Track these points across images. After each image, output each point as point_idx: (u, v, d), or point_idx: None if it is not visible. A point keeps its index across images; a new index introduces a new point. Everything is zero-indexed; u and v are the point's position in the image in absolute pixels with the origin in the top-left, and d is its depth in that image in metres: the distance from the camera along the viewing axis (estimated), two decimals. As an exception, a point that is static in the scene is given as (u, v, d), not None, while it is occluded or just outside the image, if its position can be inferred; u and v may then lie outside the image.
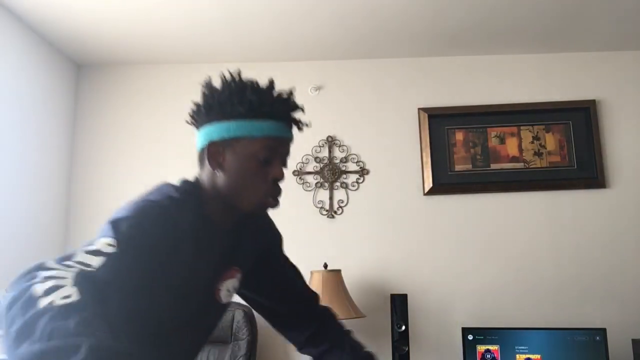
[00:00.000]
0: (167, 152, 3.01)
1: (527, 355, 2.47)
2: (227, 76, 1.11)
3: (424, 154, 2.96)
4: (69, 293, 0.74)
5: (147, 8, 2.52)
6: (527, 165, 2.94)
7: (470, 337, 2.53)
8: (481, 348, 2.51)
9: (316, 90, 3.08)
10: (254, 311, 1.37)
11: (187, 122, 1.17)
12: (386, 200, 2.95)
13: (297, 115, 1.14)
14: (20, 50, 2.61)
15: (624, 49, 3.03)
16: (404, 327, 2.48)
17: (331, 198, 2.96)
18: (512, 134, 2.98)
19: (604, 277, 2.80)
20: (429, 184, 2.92)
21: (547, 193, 2.91)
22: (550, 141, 2.96)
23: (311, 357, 1.37)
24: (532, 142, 2.96)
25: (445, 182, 2.93)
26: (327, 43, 2.91)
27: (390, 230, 2.91)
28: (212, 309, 1.20)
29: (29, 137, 2.66)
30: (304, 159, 2.98)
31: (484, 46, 2.99)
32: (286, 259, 1.40)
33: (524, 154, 2.95)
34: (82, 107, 3.09)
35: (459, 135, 2.99)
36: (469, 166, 2.96)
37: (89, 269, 0.82)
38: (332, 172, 2.97)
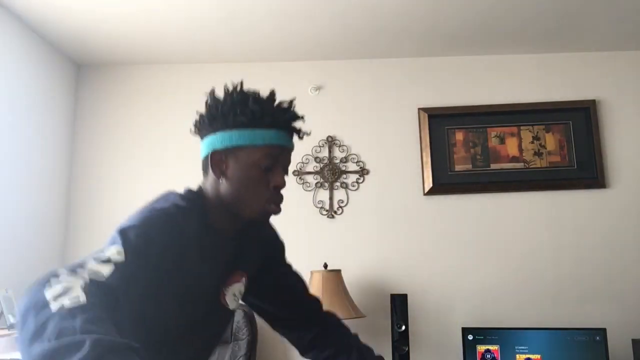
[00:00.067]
0: (167, 152, 3.01)
1: (527, 355, 2.47)
2: (230, 87, 1.14)
3: (424, 154, 2.96)
4: (78, 296, 0.79)
5: (147, 8, 2.52)
6: (527, 165, 2.94)
7: (470, 337, 2.53)
8: (481, 348, 2.51)
9: (316, 90, 3.08)
10: (254, 301, 1.38)
11: (191, 132, 1.20)
12: (386, 200, 2.95)
13: (298, 124, 1.16)
14: (20, 50, 2.61)
15: (624, 49, 3.03)
16: (404, 327, 2.48)
17: (331, 198, 2.96)
18: (512, 134, 2.98)
19: (604, 277, 2.81)
20: (429, 184, 2.92)
21: (547, 193, 2.91)
22: (550, 141, 2.96)
23: None
24: (532, 142, 2.96)
25: (445, 182, 2.93)
26: (327, 43, 2.91)
27: (390, 230, 2.91)
28: (219, 315, 1.21)
29: (29, 137, 2.66)
30: (304, 159, 2.99)
31: (484, 46, 2.99)
32: (289, 266, 1.41)
33: (524, 154, 2.95)
34: (82, 107, 3.09)
35: (459, 135, 2.99)
36: (469, 166, 2.96)
37: (100, 275, 0.86)
38: (332, 172, 2.97)
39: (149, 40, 2.83)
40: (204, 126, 1.16)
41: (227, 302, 1.20)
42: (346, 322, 2.70)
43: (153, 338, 1.06)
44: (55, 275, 0.84)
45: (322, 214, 2.94)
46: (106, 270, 0.87)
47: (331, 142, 3.02)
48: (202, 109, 1.18)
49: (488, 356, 2.50)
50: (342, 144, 3.02)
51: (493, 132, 2.99)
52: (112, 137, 3.05)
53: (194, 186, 1.19)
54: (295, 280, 1.40)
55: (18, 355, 2.11)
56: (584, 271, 2.82)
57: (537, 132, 2.97)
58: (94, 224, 2.95)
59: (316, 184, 2.97)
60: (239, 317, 2.52)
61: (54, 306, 0.77)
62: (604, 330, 2.44)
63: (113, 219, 2.94)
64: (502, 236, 2.88)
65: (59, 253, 2.88)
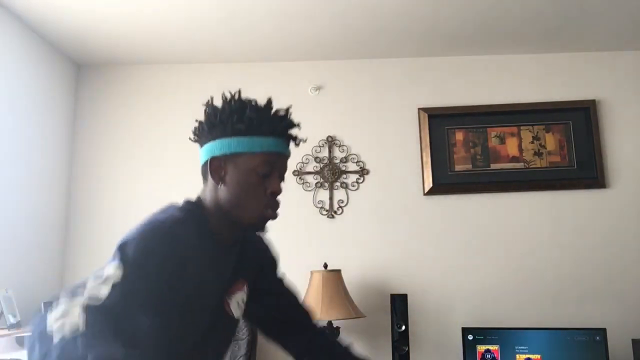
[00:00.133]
0: (167, 152, 3.01)
1: (527, 355, 2.47)
2: (228, 95, 1.17)
3: (424, 154, 2.96)
4: (77, 323, 0.86)
5: (147, 8, 2.52)
6: (527, 165, 2.94)
7: (470, 337, 2.53)
8: (481, 348, 2.51)
9: (316, 90, 3.08)
10: (246, 317, 1.38)
11: (190, 139, 1.23)
12: (386, 200, 2.95)
13: (294, 131, 1.19)
14: (20, 50, 2.61)
15: (624, 49, 3.03)
16: (404, 327, 2.48)
17: (331, 198, 2.96)
18: (512, 134, 2.98)
19: (604, 277, 2.81)
20: (429, 184, 2.92)
21: (547, 193, 2.91)
22: (550, 141, 2.96)
23: None
24: (532, 142, 2.96)
25: (445, 182, 2.93)
26: (327, 43, 2.91)
27: (390, 230, 2.91)
28: (225, 324, 1.22)
29: (29, 137, 2.66)
30: (304, 159, 2.99)
31: (484, 46, 2.99)
32: (282, 279, 1.40)
33: (524, 154, 2.95)
34: (82, 107, 3.09)
35: (459, 135, 2.99)
36: (469, 166, 2.96)
37: (97, 298, 0.92)
38: (332, 172, 2.97)
39: (149, 40, 2.83)
40: (203, 133, 1.18)
41: (232, 310, 1.22)
42: (346, 322, 2.71)
43: (163, 349, 1.07)
44: (57, 303, 0.91)
45: (322, 214, 2.94)
46: (104, 290, 0.93)
47: (331, 142, 3.02)
48: (202, 111, 1.20)
49: (488, 356, 2.50)
50: (342, 144, 3.02)
51: (493, 132, 2.99)
52: (112, 137, 3.05)
53: (193, 196, 1.22)
54: (289, 291, 1.40)
55: (18, 355, 2.11)
56: (584, 271, 2.82)
57: (537, 132, 2.97)
58: (94, 224, 2.95)
59: (316, 184, 2.97)
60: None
61: (57, 337, 0.85)
62: (604, 330, 2.44)
63: (113, 219, 2.94)
64: (502, 236, 2.88)
65: (59, 253, 2.88)
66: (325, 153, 3.01)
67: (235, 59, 3.07)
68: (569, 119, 2.97)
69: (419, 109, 3.02)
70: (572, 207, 2.89)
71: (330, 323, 2.56)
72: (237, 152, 1.13)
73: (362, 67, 3.10)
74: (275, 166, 1.15)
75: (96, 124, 3.07)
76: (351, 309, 2.52)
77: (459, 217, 2.91)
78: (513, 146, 2.97)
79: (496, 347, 2.50)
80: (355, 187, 2.97)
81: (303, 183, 2.97)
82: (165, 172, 2.99)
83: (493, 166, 2.95)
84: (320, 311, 2.46)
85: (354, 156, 3.00)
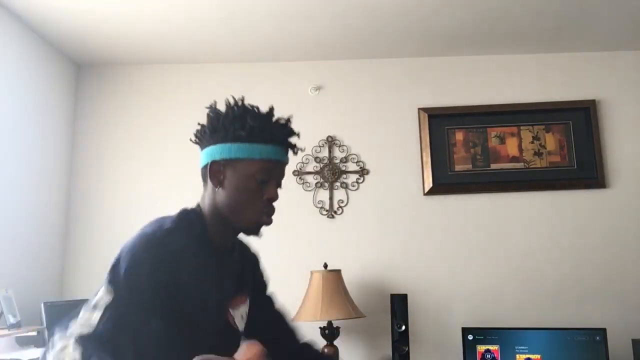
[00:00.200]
0: (167, 152, 3.01)
1: (527, 355, 2.47)
2: (231, 101, 1.19)
3: (424, 154, 2.96)
4: (75, 359, 0.91)
5: (147, 8, 2.52)
6: (527, 165, 2.94)
7: (470, 337, 2.53)
8: (481, 348, 2.51)
9: (316, 90, 3.08)
10: None
11: (192, 141, 1.25)
12: (386, 200, 2.95)
13: (293, 139, 1.22)
14: (20, 50, 2.61)
15: (624, 49, 3.03)
16: (404, 327, 2.48)
17: (331, 198, 2.96)
18: (512, 134, 2.98)
19: (604, 277, 2.81)
20: (429, 184, 2.92)
21: (547, 193, 2.91)
22: (550, 141, 2.96)
23: None
24: (532, 142, 2.96)
25: (445, 182, 2.93)
26: (327, 43, 2.91)
27: (390, 230, 2.91)
28: (230, 338, 1.22)
29: (29, 137, 2.66)
30: (304, 159, 2.99)
31: (484, 46, 2.99)
32: (271, 297, 1.43)
33: (524, 154, 2.95)
34: (82, 107, 3.09)
35: (459, 135, 2.99)
36: (469, 166, 2.96)
37: (89, 326, 0.94)
38: (332, 172, 2.97)
39: (149, 40, 2.83)
40: (204, 137, 1.20)
41: (237, 324, 1.24)
42: (346, 322, 2.71)
43: None
44: (52, 337, 0.97)
45: (322, 214, 2.94)
46: (95, 316, 0.95)
47: (331, 142, 3.02)
48: (202, 112, 1.22)
49: (488, 356, 2.50)
50: (342, 144, 3.02)
51: (493, 132, 2.99)
52: (112, 137, 3.05)
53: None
54: (278, 309, 1.43)
55: (18, 355, 2.11)
56: (584, 271, 2.82)
57: (537, 132, 2.97)
58: (94, 223, 2.95)
59: (316, 184, 2.97)
60: (239, 317, 2.52)
61: None
62: (604, 330, 2.44)
63: (113, 219, 2.95)
64: (502, 236, 2.88)
65: (59, 253, 2.88)
66: (325, 153, 3.01)
67: (235, 59, 3.07)
68: (569, 119, 2.97)
69: (419, 109, 3.02)
70: (572, 207, 2.89)
71: (330, 323, 2.56)
72: (237, 157, 1.15)
73: (362, 67, 3.10)
74: (273, 173, 1.18)
75: (96, 124, 3.07)
76: (351, 309, 2.52)
77: (459, 217, 2.91)
78: (513, 146, 2.97)
79: (496, 347, 2.50)
80: (355, 187, 2.97)
81: (303, 183, 2.97)
82: (165, 172, 2.99)
83: (493, 166, 2.95)
84: (320, 311, 2.46)
85: (354, 156, 3.00)
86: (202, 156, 1.21)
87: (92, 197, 2.98)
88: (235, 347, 1.24)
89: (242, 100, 1.20)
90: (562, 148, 2.95)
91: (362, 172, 2.98)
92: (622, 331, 2.63)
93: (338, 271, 2.63)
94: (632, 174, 2.91)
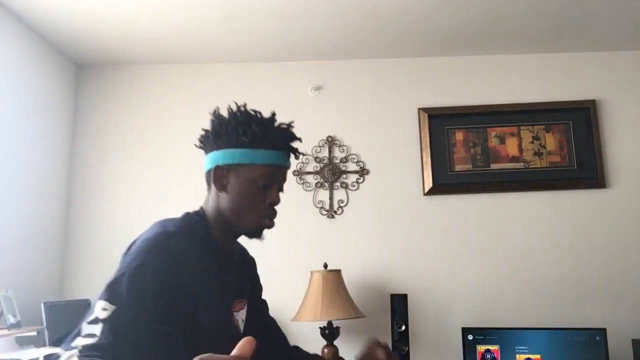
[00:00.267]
0: (167, 152, 3.01)
1: (527, 355, 2.47)
2: (234, 107, 1.22)
3: (424, 154, 2.96)
4: None
5: (147, 8, 2.52)
6: (527, 165, 2.94)
7: (470, 337, 2.53)
8: (481, 348, 2.51)
9: (316, 90, 3.08)
10: None
11: (196, 146, 1.27)
12: (386, 200, 2.95)
13: (295, 144, 1.25)
14: (20, 51, 2.61)
15: (624, 49, 3.03)
16: (404, 327, 2.48)
17: (331, 198, 2.96)
18: (512, 134, 2.98)
19: (604, 277, 2.81)
20: (429, 184, 2.92)
21: (547, 193, 2.91)
22: (550, 141, 2.96)
23: None
24: (532, 142, 2.96)
25: (445, 182, 2.93)
26: (327, 43, 2.91)
27: (390, 230, 2.91)
28: (236, 340, 1.23)
29: (29, 137, 2.66)
30: (304, 159, 2.98)
31: (484, 46, 2.99)
32: (264, 301, 1.45)
33: (524, 154, 2.95)
34: (82, 107, 3.09)
35: (459, 135, 2.99)
36: (469, 166, 2.96)
37: (92, 339, 0.94)
38: (332, 172, 2.97)
39: (149, 40, 2.83)
40: (208, 142, 1.23)
41: (240, 327, 1.25)
42: (346, 322, 2.70)
43: None
44: (56, 353, 0.93)
45: (322, 214, 2.94)
46: (96, 330, 0.94)
47: (331, 142, 3.02)
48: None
49: (488, 356, 2.50)
50: (342, 144, 3.02)
51: (493, 132, 2.99)
52: (112, 137, 3.05)
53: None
54: (269, 314, 1.45)
55: (18, 355, 2.11)
56: (584, 271, 2.82)
57: (537, 132, 2.97)
58: (94, 224, 2.95)
59: (316, 184, 2.97)
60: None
61: None
62: (604, 330, 2.44)
63: (113, 219, 2.95)
64: (502, 236, 2.88)
65: (59, 253, 2.88)
66: (325, 153, 3.01)
67: (235, 59, 3.07)
68: (569, 119, 2.97)
69: (419, 109, 3.02)
70: (572, 207, 2.89)
71: (330, 323, 2.56)
72: (240, 162, 1.18)
73: (362, 67, 3.10)
74: (276, 178, 1.20)
75: (96, 124, 3.07)
76: (351, 309, 2.52)
77: (459, 217, 2.91)
78: (513, 146, 2.97)
79: (496, 347, 2.50)
80: (355, 187, 2.97)
81: (303, 183, 2.97)
82: (165, 172, 2.99)
83: (493, 166, 2.95)
84: (320, 311, 2.46)
85: (354, 156, 3.00)
86: (206, 161, 1.24)
87: (92, 197, 2.98)
88: None
89: (245, 106, 1.22)
90: (562, 148, 2.95)
91: (362, 172, 2.98)
92: (622, 331, 2.63)
93: (338, 271, 2.63)
94: (632, 174, 2.91)
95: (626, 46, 3.00)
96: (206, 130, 1.23)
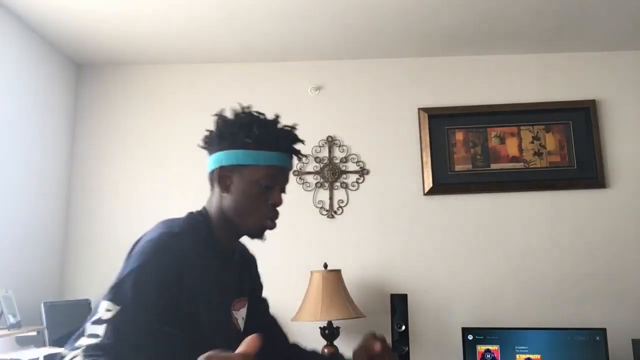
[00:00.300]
0: (167, 152, 3.01)
1: (527, 355, 2.47)
2: (238, 109, 1.24)
3: (424, 154, 2.96)
4: None
5: (147, 8, 2.52)
6: (527, 165, 2.94)
7: (470, 337, 2.53)
8: (481, 348, 2.51)
9: (316, 90, 3.08)
10: None
11: (199, 146, 1.28)
12: (386, 200, 2.95)
13: (298, 147, 1.27)
14: (20, 50, 2.61)
15: (624, 49, 3.03)
16: (404, 327, 2.48)
17: (331, 198, 2.96)
18: (512, 134, 2.98)
19: (604, 277, 2.80)
20: (429, 184, 2.92)
21: (547, 193, 2.91)
22: (550, 141, 2.96)
23: None
24: (532, 142, 2.96)
25: (445, 182, 2.93)
26: (327, 43, 2.91)
27: (390, 230, 2.91)
28: (235, 339, 1.25)
29: (29, 137, 2.66)
30: (304, 159, 2.98)
31: (484, 46, 2.99)
32: (265, 299, 1.46)
33: (524, 154, 2.95)
34: (82, 107, 3.09)
35: (459, 135, 2.99)
36: (469, 166, 2.96)
37: (95, 339, 0.94)
38: (332, 172, 2.97)
39: (149, 40, 2.83)
40: (212, 143, 1.24)
41: (240, 325, 1.27)
42: (346, 322, 2.70)
43: None
44: (61, 354, 0.94)
45: (322, 214, 2.94)
46: (100, 330, 0.95)
47: (331, 142, 3.02)
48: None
49: (488, 356, 2.50)
50: (342, 144, 3.02)
51: (493, 132, 2.99)
52: (112, 137, 3.05)
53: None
54: (270, 313, 1.46)
55: (18, 355, 2.11)
56: (584, 271, 2.82)
57: (537, 132, 2.97)
58: (94, 223, 2.95)
59: (316, 184, 2.97)
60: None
61: None
62: (604, 330, 2.44)
63: (113, 219, 2.94)
64: (502, 236, 2.88)
65: (59, 253, 2.88)
66: (325, 153, 3.00)
67: (235, 59, 3.07)
68: (569, 119, 2.97)
69: (419, 109, 3.02)
70: (572, 207, 2.89)
71: (330, 323, 2.56)
72: (244, 164, 1.19)
73: (362, 67, 3.10)
74: (278, 179, 1.22)
75: (96, 124, 3.07)
76: (351, 309, 2.52)
77: (459, 217, 2.91)
78: (513, 146, 2.97)
79: (496, 347, 2.50)
80: (355, 187, 2.97)
81: (303, 183, 2.97)
82: (165, 172, 2.99)
83: (493, 166, 2.95)
84: (320, 311, 2.46)
85: (354, 156, 3.00)
86: (209, 161, 1.24)
87: (92, 197, 2.98)
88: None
89: (249, 107, 1.24)
90: (562, 148, 2.95)
91: (362, 172, 2.98)
92: (622, 331, 2.63)
93: (338, 271, 2.63)
94: (632, 174, 2.91)
95: (626, 46, 3.00)
96: (210, 131, 1.25)
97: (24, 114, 2.62)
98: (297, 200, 2.93)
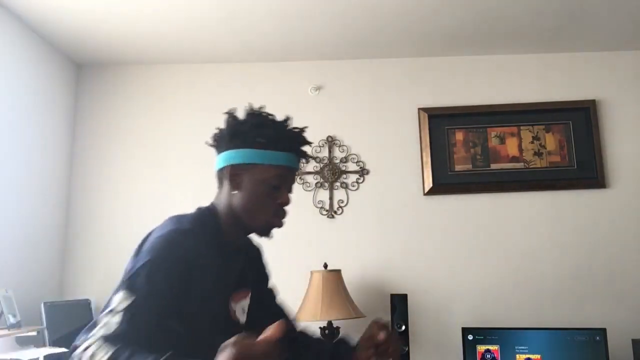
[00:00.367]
0: (167, 152, 3.01)
1: (527, 355, 2.47)
2: (251, 109, 1.27)
3: (424, 154, 2.96)
4: (99, 357, 0.93)
5: (147, 8, 2.52)
6: (527, 165, 2.94)
7: (470, 337, 2.53)
8: (481, 348, 2.51)
9: (316, 90, 3.08)
10: None
11: (207, 144, 1.30)
12: (386, 200, 2.95)
13: (305, 148, 1.30)
14: (20, 50, 2.61)
15: (624, 49, 3.03)
16: (404, 327, 2.48)
17: (331, 198, 2.96)
18: (512, 134, 2.98)
19: (604, 277, 2.80)
20: (429, 184, 2.92)
21: (547, 193, 2.91)
22: (550, 141, 2.96)
23: None
24: (532, 142, 2.96)
25: (445, 182, 2.93)
26: (327, 43, 2.91)
27: (390, 230, 2.91)
28: (232, 329, 1.28)
29: (29, 137, 2.66)
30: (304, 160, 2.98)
31: (484, 46, 2.99)
32: (272, 290, 1.50)
33: (524, 154, 2.95)
34: (82, 107, 3.09)
35: (459, 135, 2.99)
36: (469, 166, 2.96)
37: (109, 329, 0.98)
38: (332, 172, 2.97)
39: (149, 40, 2.83)
40: (222, 141, 1.26)
41: (238, 317, 1.29)
42: (346, 322, 2.70)
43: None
44: (76, 347, 0.97)
45: (322, 214, 2.94)
46: (115, 320, 0.99)
47: (331, 142, 3.02)
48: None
49: (488, 356, 2.50)
50: (342, 144, 3.02)
51: (493, 132, 2.99)
52: (112, 137, 3.05)
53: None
54: (278, 302, 1.49)
55: (18, 355, 2.11)
56: (584, 271, 2.82)
57: (537, 132, 2.97)
58: (94, 224, 2.95)
59: (316, 184, 2.97)
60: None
61: None
62: (604, 330, 2.44)
63: (113, 219, 2.94)
64: (502, 236, 2.88)
65: (58, 253, 2.88)
66: (325, 153, 3.00)
67: (235, 59, 3.07)
68: (569, 119, 2.97)
69: (419, 109, 3.02)
70: (572, 207, 2.89)
71: (330, 323, 2.56)
72: (255, 163, 1.22)
73: (362, 67, 3.10)
74: (286, 179, 1.26)
75: (96, 124, 3.07)
76: (351, 309, 2.52)
77: (459, 217, 2.91)
78: (513, 146, 2.97)
79: (496, 347, 2.50)
80: (355, 187, 2.97)
81: (303, 183, 2.97)
82: (165, 172, 2.99)
83: (493, 166, 2.95)
84: (320, 311, 2.47)
85: (354, 156, 3.00)
86: (219, 159, 1.27)
87: (92, 197, 2.98)
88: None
89: (262, 108, 1.27)
90: (562, 148, 2.95)
91: (362, 172, 2.98)
92: (622, 331, 2.63)
93: (338, 271, 2.63)
94: (632, 174, 2.91)
95: (626, 46, 3.00)
96: (221, 129, 1.27)
97: (24, 114, 2.62)
98: (297, 200, 2.90)
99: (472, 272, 2.85)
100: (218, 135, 1.28)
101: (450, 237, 2.89)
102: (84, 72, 3.13)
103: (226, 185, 1.25)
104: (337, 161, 2.99)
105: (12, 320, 2.21)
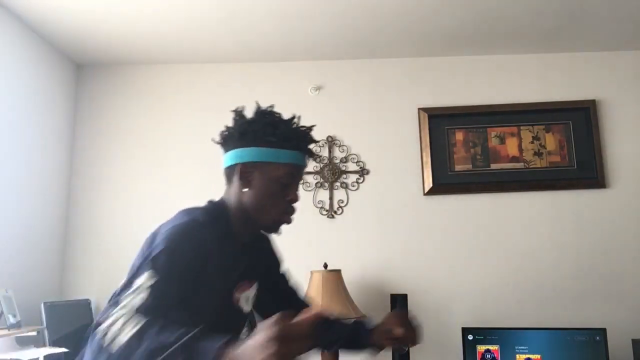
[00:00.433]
0: (167, 152, 3.01)
1: (527, 355, 2.47)
2: (260, 108, 1.29)
3: (424, 154, 2.96)
4: (129, 328, 0.94)
5: (147, 8, 2.52)
6: (527, 165, 2.94)
7: (470, 337, 2.53)
8: (481, 348, 2.51)
9: (316, 90, 3.08)
10: (254, 311, 1.50)
11: (214, 142, 1.32)
12: (386, 200, 2.95)
13: (313, 147, 1.33)
14: (20, 50, 2.61)
15: (624, 49, 3.03)
16: (404, 327, 2.48)
17: (331, 198, 2.96)
18: (512, 134, 2.98)
19: (604, 277, 2.80)
20: (429, 184, 2.92)
21: (547, 193, 2.91)
22: (550, 141, 2.96)
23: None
24: (532, 142, 2.96)
25: (445, 182, 2.93)
26: (327, 43, 2.91)
27: (390, 230, 2.91)
28: (235, 318, 1.33)
29: (29, 137, 2.66)
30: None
31: (484, 46, 2.99)
32: (285, 274, 1.56)
33: (524, 154, 2.95)
34: (82, 107, 3.09)
35: (459, 135, 2.99)
36: (469, 166, 2.96)
37: (138, 304, 1.01)
38: (332, 172, 2.97)
39: (149, 40, 2.83)
40: (231, 139, 1.28)
41: (242, 306, 1.32)
42: (346, 322, 2.68)
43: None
44: (98, 325, 0.98)
45: (322, 214, 2.94)
46: (140, 297, 1.01)
47: (331, 142, 3.02)
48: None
49: (488, 356, 2.50)
50: (342, 144, 3.02)
51: (493, 132, 2.99)
52: (112, 137, 3.05)
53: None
54: (291, 286, 1.55)
55: (18, 355, 2.11)
56: (584, 271, 2.82)
57: (537, 132, 2.97)
58: (94, 224, 2.95)
59: (316, 184, 2.97)
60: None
61: (116, 346, 0.92)
62: (604, 330, 2.44)
63: (113, 219, 2.94)
64: (502, 236, 2.88)
65: (59, 253, 2.88)
66: (325, 153, 3.00)
67: (235, 59, 3.07)
68: (569, 119, 2.97)
69: (419, 109, 3.02)
70: (572, 207, 2.89)
71: (330, 323, 2.56)
72: (265, 161, 1.24)
73: (362, 67, 3.10)
74: (295, 177, 1.29)
75: (96, 124, 3.07)
76: (351, 309, 2.52)
77: (459, 217, 2.91)
78: (513, 146, 2.97)
79: (496, 347, 2.50)
80: (355, 187, 2.97)
81: (303, 183, 2.97)
82: (165, 172, 2.99)
83: (493, 166, 2.95)
84: (320, 311, 2.46)
85: (354, 156, 3.00)
86: (228, 157, 1.29)
87: (92, 197, 2.98)
88: (240, 326, 1.37)
89: (272, 107, 1.30)
90: (562, 148, 2.95)
91: (362, 172, 2.98)
92: (622, 331, 2.63)
93: (338, 271, 2.63)
94: (632, 174, 2.91)
95: (626, 46, 3.00)
96: (229, 128, 1.29)
97: (24, 114, 2.62)
98: (297, 200, 2.93)
99: (472, 272, 2.85)
100: (226, 133, 1.29)
101: (450, 237, 2.89)
102: (84, 72, 3.13)
103: (236, 182, 1.27)
104: (337, 161, 2.99)
105: (12, 320, 2.21)
